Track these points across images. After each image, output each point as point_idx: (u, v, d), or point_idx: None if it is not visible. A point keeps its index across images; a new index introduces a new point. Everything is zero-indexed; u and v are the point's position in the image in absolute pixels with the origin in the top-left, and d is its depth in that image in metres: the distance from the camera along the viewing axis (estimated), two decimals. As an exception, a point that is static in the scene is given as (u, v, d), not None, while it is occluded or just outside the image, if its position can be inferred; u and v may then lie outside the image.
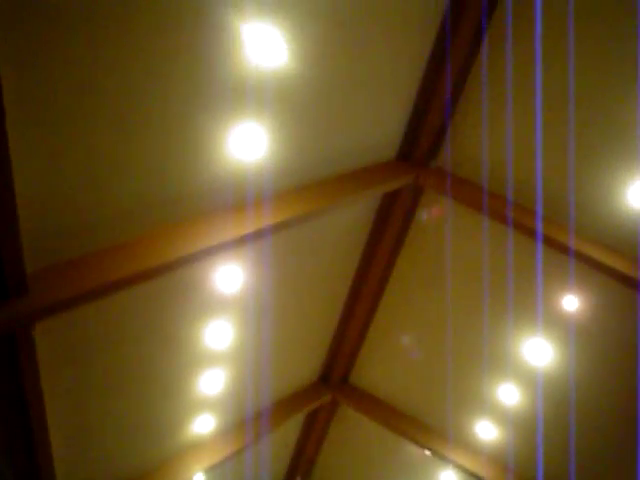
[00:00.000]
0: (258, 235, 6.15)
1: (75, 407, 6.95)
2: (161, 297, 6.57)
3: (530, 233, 7.30)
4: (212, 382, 8.14)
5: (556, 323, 7.97)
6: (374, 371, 10.16)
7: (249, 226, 6.03)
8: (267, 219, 6.15)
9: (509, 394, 8.96)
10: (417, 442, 10.21)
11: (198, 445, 9.09)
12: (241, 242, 6.09)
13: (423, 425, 10.12)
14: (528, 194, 7.14)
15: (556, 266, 7.49)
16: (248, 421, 9.54)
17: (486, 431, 9.62)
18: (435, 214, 7.77)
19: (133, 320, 6.63)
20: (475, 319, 8.42)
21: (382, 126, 7.05)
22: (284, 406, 9.92)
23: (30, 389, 5.86)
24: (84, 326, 6.22)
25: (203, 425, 8.84)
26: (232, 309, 7.41)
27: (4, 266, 4.85)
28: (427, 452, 10.25)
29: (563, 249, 7.25)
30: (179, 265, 5.89)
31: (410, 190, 7.66)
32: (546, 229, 7.20)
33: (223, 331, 7.49)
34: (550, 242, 7.27)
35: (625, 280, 7.28)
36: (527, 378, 8.66)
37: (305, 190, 6.58)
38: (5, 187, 4.39)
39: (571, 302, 7.74)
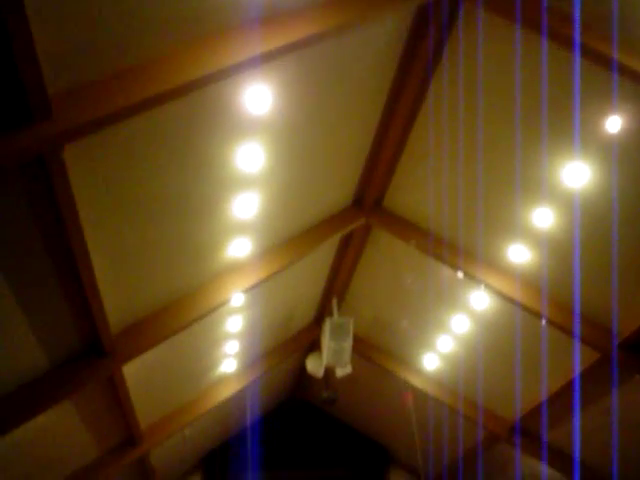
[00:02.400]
0: (287, 49, 5.90)
1: (112, 233, 7.04)
2: (189, 118, 6.43)
3: (568, 44, 6.79)
4: (246, 206, 8.11)
5: (596, 144, 7.66)
6: (407, 195, 10.08)
7: (278, 40, 5.78)
8: (297, 32, 5.88)
9: (544, 217, 8.79)
10: (450, 264, 10.28)
11: (236, 268, 9.25)
12: (270, 57, 5.86)
13: (456, 248, 10.10)
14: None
15: (599, 82, 7.08)
16: (283, 244, 9.69)
17: (520, 254, 9.56)
18: None
19: (162, 144, 6.56)
20: (510, 141, 8.14)
21: None
22: (318, 230, 9.97)
23: (66, 212, 5.95)
24: (114, 152, 6.19)
25: (239, 249, 8.93)
26: (262, 131, 7.25)
27: (26, 90, 4.71)
28: (460, 274, 10.35)
29: (606, 62, 6.79)
30: (207, 82, 5.71)
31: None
32: (586, 38, 6.67)
33: (254, 154, 7.35)
34: (590, 53, 6.79)
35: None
36: (563, 200, 8.46)
37: (335, 3, 6.21)
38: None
39: (614, 122, 7.35)
